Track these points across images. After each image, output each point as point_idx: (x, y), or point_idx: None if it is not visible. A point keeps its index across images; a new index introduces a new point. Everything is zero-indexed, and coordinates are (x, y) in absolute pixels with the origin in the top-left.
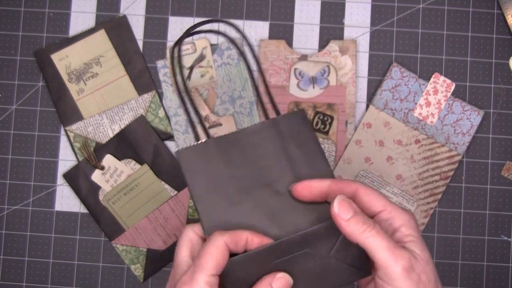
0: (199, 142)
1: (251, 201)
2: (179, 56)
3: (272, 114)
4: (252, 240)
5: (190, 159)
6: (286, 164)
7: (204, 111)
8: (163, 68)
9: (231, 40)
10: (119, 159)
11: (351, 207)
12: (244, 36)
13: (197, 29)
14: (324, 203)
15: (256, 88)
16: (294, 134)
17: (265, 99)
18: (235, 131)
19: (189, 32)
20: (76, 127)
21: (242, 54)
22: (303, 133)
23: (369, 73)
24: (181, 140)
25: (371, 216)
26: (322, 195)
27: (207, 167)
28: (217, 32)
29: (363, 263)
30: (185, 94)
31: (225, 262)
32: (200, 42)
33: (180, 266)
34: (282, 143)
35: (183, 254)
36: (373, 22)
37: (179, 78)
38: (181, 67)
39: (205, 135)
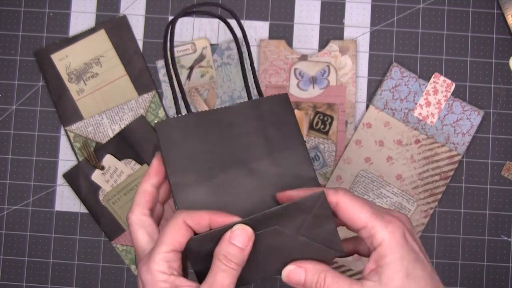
0: (179, 115)
1: (225, 178)
2: (172, 34)
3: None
4: (215, 220)
5: (168, 131)
6: (263, 144)
7: None
8: (163, 68)
9: (229, 26)
10: (119, 159)
11: (300, 276)
12: (241, 26)
13: (195, 9)
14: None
15: (243, 71)
16: (274, 116)
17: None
18: (216, 109)
19: (187, 11)
20: (76, 127)
21: (235, 38)
22: (283, 115)
23: (369, 73)
24: None
25: (356, 231)
26: None
27: (184, 141)
28: (217, 16)
29: (336, 242)
30: (171, 68)
31: (185, 239)
32: (200, 42)
33: (140, 248)
34: (262, 124)
35: (140, 237)
36: (373, 22)
37: (168, 54)
38: (172, 44)
39: (186, 110)
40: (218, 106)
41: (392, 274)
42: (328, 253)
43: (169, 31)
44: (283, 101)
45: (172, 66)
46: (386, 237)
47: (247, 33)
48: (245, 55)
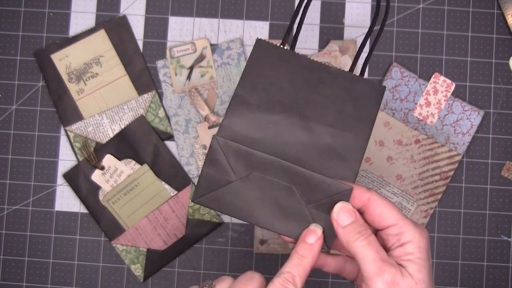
0: (283, 46)
1: (282, 119)
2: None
3: None
4: None
5: (263, 51)
6: (333, 114)
7: (204, 111)
8: (163, 68)
9: None
10: (119, 159)
11: (350, 215)
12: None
13: None
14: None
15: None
16: (361, 98)
17: None
18: (318, 62)
19: None
20: (76, 127)
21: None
22: (369, 103)
23: (369, 73)
24: (181, 140)
25: (381, 228)
26: None
27: (272, 68)
28: None
29: (329, 236)
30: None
31: None
32: (200, 42)
33: None
34: (345, 96)
35: None
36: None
37: None
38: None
39: (290, 48)
40: (219, 106)
41: (419, 268)
42: None
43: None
44: (377, 91)
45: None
46: (417, 237)
47: (247, 33)
48: None
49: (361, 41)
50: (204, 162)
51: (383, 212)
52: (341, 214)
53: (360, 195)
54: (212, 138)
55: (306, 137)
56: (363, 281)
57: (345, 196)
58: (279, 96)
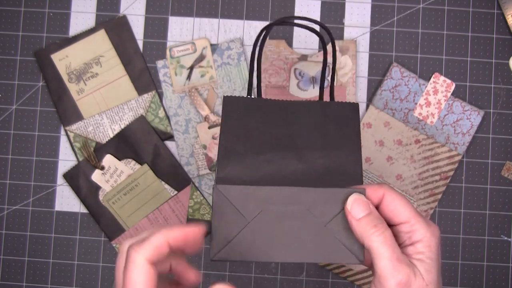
0: (248, 96)
1: (273, 157)
2: (264, 39)
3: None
4: (176, 237)
5: (233, 105)
6: (320, 138)
7: (204, 111)
8: (163, 68)
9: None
10: (119, 159)
11: (365, 206)
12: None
13: (295, 21)
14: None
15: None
16: (339, 118)
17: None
18: (286, 100)
19: (285, 21)
20: (76, 127)
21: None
22: (348, 120)
23: (369, 73)
24: (181, 140)
25: (393, 224)
26: None
27: (245, 116)
28: (316, 33)
29: (358, 248)
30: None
31: (152, 279)
32: (200, 42)
33: None
34: (324, 120)
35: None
36: (373, 22)
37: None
38: (261, 49)
39: (257, 94)
40: (219, 106)
41: (429, 268)
42: (347, 257)
43: (262, 36)
44: (352, 109)
45: (257, 62)
46: (427, 236)
47: (247, 33)
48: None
49: (361, 41)
50: (212, 215)
51: (396, 209)
52: (355, 206)
53: (373, 193)
54: (213, 189)
55: (302, 166)
56: (375, 276)
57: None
58: (262, 139)
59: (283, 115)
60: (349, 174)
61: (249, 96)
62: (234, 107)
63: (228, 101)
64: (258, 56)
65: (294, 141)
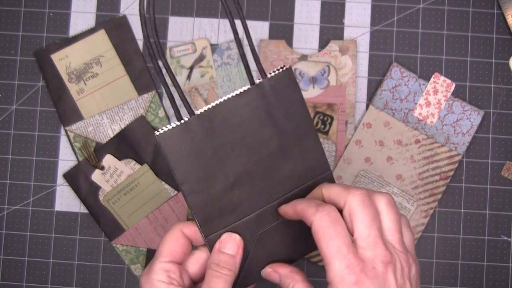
0: (181, 122)
1: (239, 179)
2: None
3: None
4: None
5: (173, 141)
6: (275, 138)
7: None
8: (163, 68)
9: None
10: (119, 159)
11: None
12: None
13: None
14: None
15: (240, 47)
16: (281, 100)
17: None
18: (218, 103)
19: None
20: (76, 127)
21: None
22: (290, 97)
23: (369, 73)
24: None
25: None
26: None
27: (193, 148)
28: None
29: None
30: (162, 60)
31: (183, 249)
32: (200, 42)
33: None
34: (270, 114)
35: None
36: (373, 22)
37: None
38: (155, 24)
39: (188, 112)
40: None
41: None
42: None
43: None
44: (287, 79)
45: (160, 55)
46: (336, 279)
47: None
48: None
49: (361, 41)
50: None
51: (332, 196)
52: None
53: (314, 196)
54: (205, 245)
55: (270, 178)
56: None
57: (328, 178)
58: (220, 164)
59: (228, 129)
60: (314, 168)
61: (181, 122)
62: (174, 143)
63: (161, 139)
64: (158, 46)
65: (253, 153)
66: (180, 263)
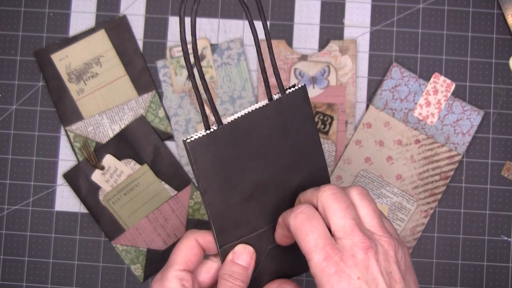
0: (210, 131)
1: (255, 193)
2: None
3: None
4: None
5: (200, 149)
6: (289, 154)
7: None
8: (163, 68)
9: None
10: (119, 159)
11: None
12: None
13: None
14: None
15: (261, 61)
16: (294, 112)
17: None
18: (243, 115)
19: None
20: (76, 127)
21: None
22: (302, 113)
23: (369, 73)
24: (181, 140)
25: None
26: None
27: (217, 159)
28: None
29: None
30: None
31: (197, 258)
32: (200, 42)
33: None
34: (286, 129)
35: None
36: (373, 22)
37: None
38: (195, 38)
39: (216, 121)
40: (219, 106)
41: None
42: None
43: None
44: (302, 96)
45: (198, 67)
46: (317, 272)
47: (247, 33)
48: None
49: (361, 41)
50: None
51: (305, 198)
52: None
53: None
54: (217, 255)
55: (281, 191)
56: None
57: (324, 178)
58: (240, 176)
59: (250, 142)
60: (317, 181)
61: (210, 131)
62: (201, 152)
63: (190, 146)
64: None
65: (270, 167)
66: (192, 272)
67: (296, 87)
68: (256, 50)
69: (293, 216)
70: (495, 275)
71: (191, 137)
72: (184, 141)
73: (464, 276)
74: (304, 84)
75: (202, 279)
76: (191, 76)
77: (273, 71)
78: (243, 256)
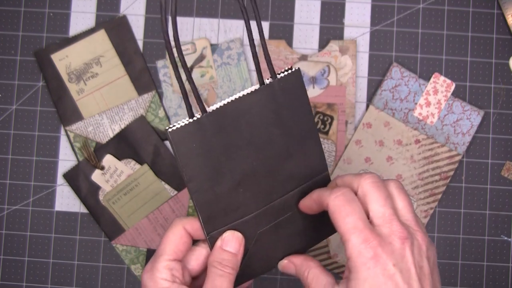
0: (193, 119)
1: (245, 179)
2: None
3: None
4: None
5: (183, 138)
6: (282, 140)
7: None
8: (163, 68)
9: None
10: (119, 159)
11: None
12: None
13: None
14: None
15: (253, 46)
16: (288, 96)
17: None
18: (229, 101)
19: None
20: (76, 127)
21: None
22: (297, 98)
23: (369, 73)
24: None
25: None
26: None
27: (202, 146)
28: None
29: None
30: (179, 55)
31: (186, 246)
32: (200, 42)
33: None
34: (279, 114)
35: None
36: (373, 22)
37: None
38: (175, 24)
39: (200, 108)
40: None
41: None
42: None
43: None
44: (296, 80)
45: (178, 50)
46: (354, 254)
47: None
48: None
49: (361, 41)
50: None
51: (338, 221)
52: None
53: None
54: (205, 241)
55: (273, 177)
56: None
57: (325, 178)
58: (228, 163)
59: (238, 128)
60: (313, 168)
61: (193, 119)
62: (184, 140)
63: (173, 135)
64: (176, 41)
65: (260, 153)
66: (181, 260)
67: (290, 71)
68: (248, 36)
69: (333, 197)
70: (495, 275)
71: (173, 125)
72: (165, 130)
73: (464, 276)
74: (298, 68)
75: (192, 266)
76: (172, 63)
77: (263, 53)
78: (231, 242)
